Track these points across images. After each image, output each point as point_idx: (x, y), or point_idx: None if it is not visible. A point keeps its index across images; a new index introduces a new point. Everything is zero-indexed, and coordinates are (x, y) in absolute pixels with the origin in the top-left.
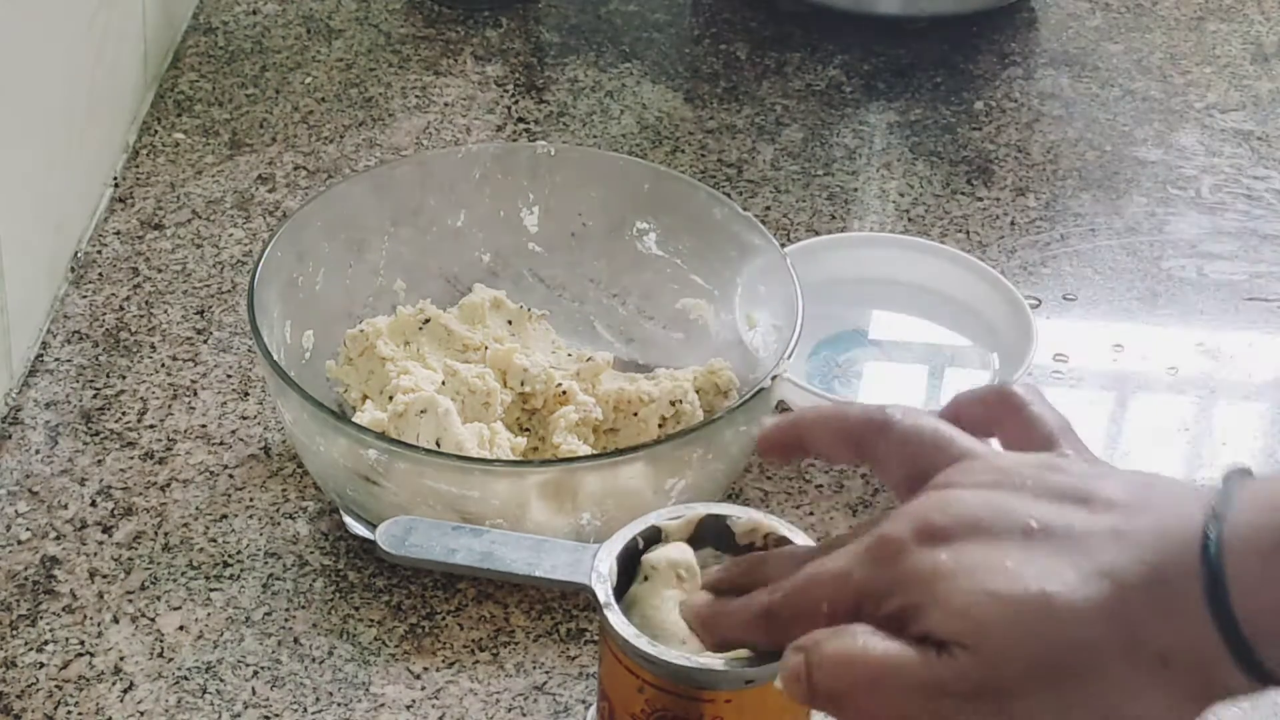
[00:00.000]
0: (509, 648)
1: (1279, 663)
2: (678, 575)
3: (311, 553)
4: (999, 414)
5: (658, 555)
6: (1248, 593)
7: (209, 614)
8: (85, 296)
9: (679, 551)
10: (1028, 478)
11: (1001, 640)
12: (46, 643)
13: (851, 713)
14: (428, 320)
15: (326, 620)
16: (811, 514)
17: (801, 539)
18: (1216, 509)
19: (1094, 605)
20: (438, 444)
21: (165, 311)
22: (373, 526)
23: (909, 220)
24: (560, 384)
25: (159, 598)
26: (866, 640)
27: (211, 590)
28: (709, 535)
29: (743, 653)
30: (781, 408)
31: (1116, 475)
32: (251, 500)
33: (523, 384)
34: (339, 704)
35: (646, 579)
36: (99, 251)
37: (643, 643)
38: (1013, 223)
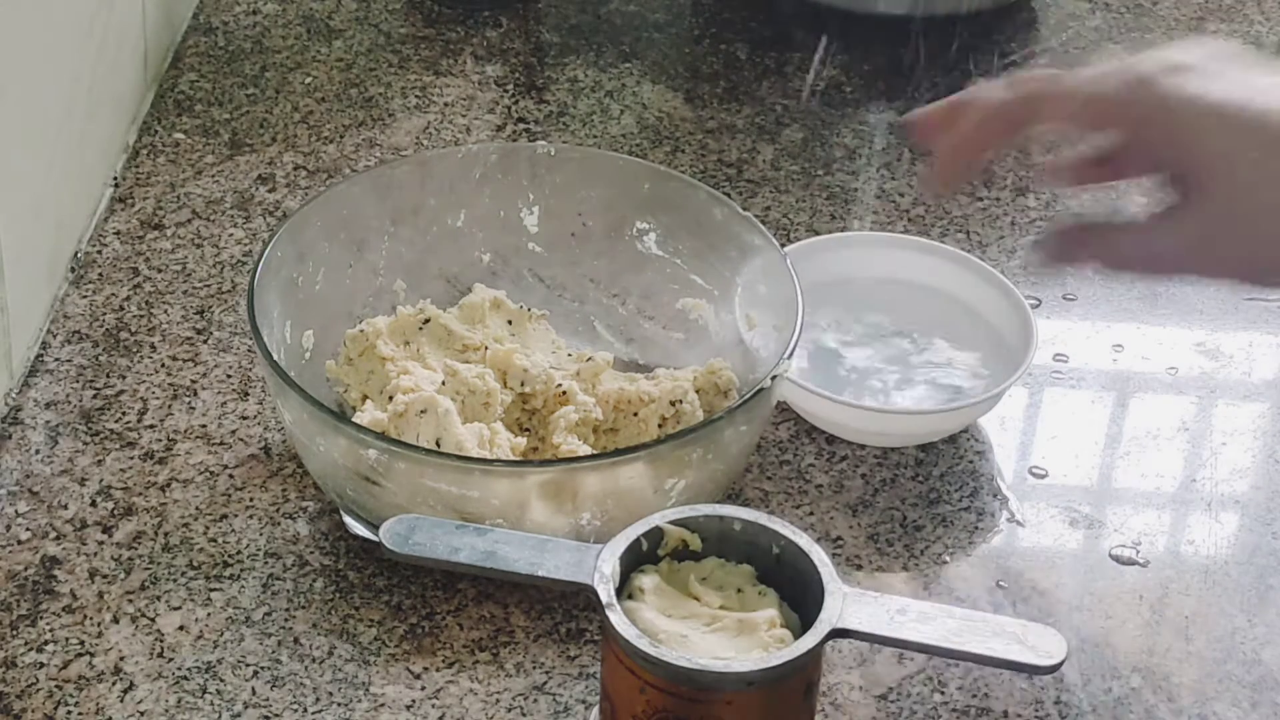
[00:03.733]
0: (509, 648)
1: None
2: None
3: (311, 553)
4: None
5: (646, 580)
6: None
7: (209, 614)
8: (85, 296)
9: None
10: None
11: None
12: (46, 643)
13: None
14: (428, 320)
15: (326, 620)
16: (811, 514)
17: (805, 542)
18: None
19: None
20: (438, 444)
21: (165, 311)
22: (373, 526)
23: (909, 220)
24: (560, 384)
25: (159, 598)
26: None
27: (211, 590)
28: (712, 537)
29: (744, 654)
30: (782, 407)
31: None
32: (251, 500)
33: (523, 384)
34: (339, 704)
35: (631, 597)
36: (99, 251)
37: (644, 643)
38: (1013, 223)
